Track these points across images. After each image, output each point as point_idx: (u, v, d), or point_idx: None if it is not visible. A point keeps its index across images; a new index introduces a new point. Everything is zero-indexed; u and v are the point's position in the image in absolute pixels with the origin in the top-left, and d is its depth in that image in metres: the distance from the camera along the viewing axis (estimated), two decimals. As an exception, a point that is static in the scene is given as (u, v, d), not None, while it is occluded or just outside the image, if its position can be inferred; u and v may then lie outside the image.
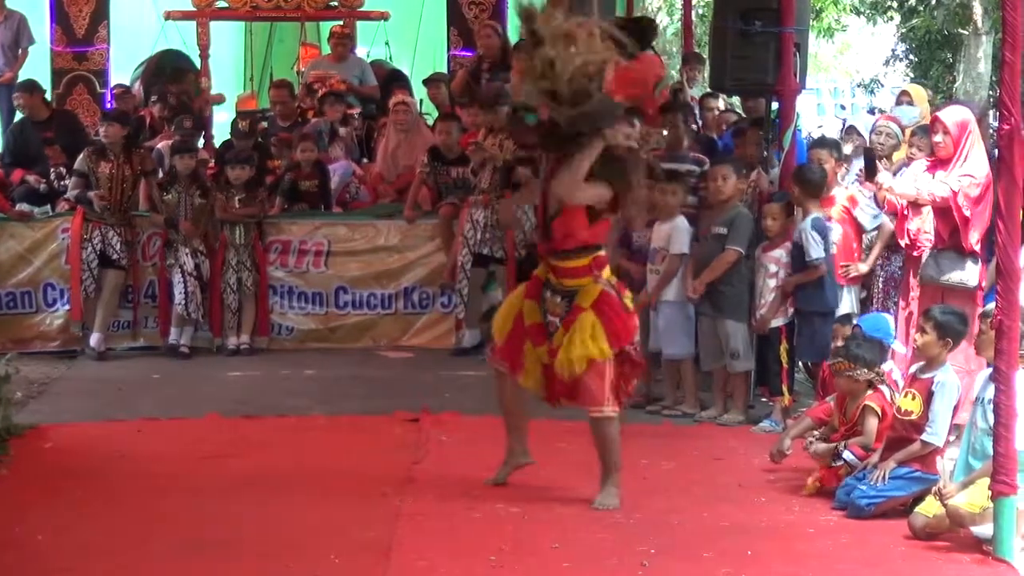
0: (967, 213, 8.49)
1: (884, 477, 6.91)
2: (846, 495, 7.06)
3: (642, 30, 12.02)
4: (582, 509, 7.00)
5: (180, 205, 11.31)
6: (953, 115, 8.82)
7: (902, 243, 9.13)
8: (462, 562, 6.16)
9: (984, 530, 6.36)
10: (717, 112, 12.74)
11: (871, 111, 26.23)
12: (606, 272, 7.13)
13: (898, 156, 10.29)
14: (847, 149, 9.88)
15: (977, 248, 8.54)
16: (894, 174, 9.52)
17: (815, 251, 8.88)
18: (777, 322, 8.97)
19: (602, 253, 7.14)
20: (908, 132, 10.21)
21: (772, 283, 8.98)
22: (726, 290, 9.10)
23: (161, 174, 11.80)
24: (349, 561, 6.18)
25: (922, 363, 7.15)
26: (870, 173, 9.57)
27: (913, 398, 7.02)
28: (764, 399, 9.29)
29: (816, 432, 7.58)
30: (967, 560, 6.30)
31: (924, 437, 6.91)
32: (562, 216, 7.02)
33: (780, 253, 8.98)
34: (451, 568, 6.09)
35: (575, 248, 7.05)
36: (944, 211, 8.61)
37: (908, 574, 6.23)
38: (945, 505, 6.46)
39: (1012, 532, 6.22)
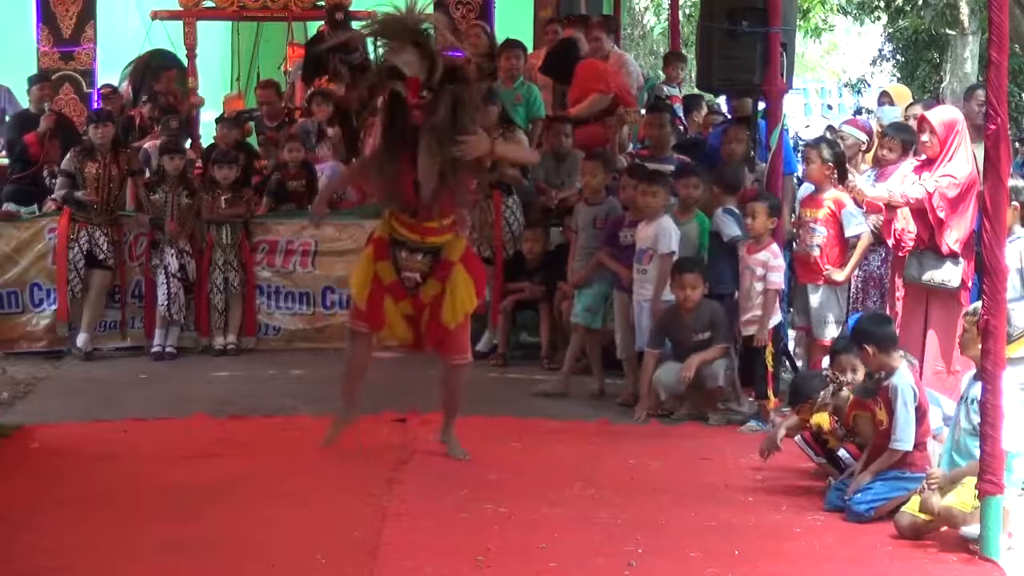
0: (942, 215, 8.48)
1: (857, 489, 6.91)
2: (838, 498, 7.06)
3: (563, 53, 12.35)
4: (569, 509, 7.00)
5: (167, 205, 11.30)
6: (940, 115, 8.82)
7: (889, 243, 9.15)
8: (449, 562, 6.15)
9: (971, 529, 6.37)
10: (703, 113, 12.80)
11: (858, 111, 26.28)
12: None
13: (871, 157, 10.33)
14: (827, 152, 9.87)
15: (957, 249, 8.53)
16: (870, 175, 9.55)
17: (729, 230, 9.27)
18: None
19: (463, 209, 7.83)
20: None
21: (759, 286, 8.98)
22: None
23: (148, 174, 11.79)
24: (335, 561, 6.17)
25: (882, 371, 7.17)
26: (841, 177, 9.58)
27: (881, 408, 7.00)
28: (751, 399, 9.29)
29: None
30: (954, 560, 6.31)
31: (892, 445, 6.90)
32: (447, 186, 7.52)
33: (767, 255, 8.98)
34: (438, 568, 6.08)
35: (448, 212, 7.62)
36: (921, 212, 8.62)
37: (895, 574, 6.24)
38: (932, 506, 6.47)
39: (998, 531, 6.23)
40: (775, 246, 9.03)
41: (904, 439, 6.86)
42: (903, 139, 9.60)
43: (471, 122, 7.51)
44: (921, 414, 6.93)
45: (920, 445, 6.97)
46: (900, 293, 8.96)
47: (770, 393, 8.88)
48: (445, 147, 7.40)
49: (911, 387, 6.90)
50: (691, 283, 9.06)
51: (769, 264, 8.95)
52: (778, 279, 8.98)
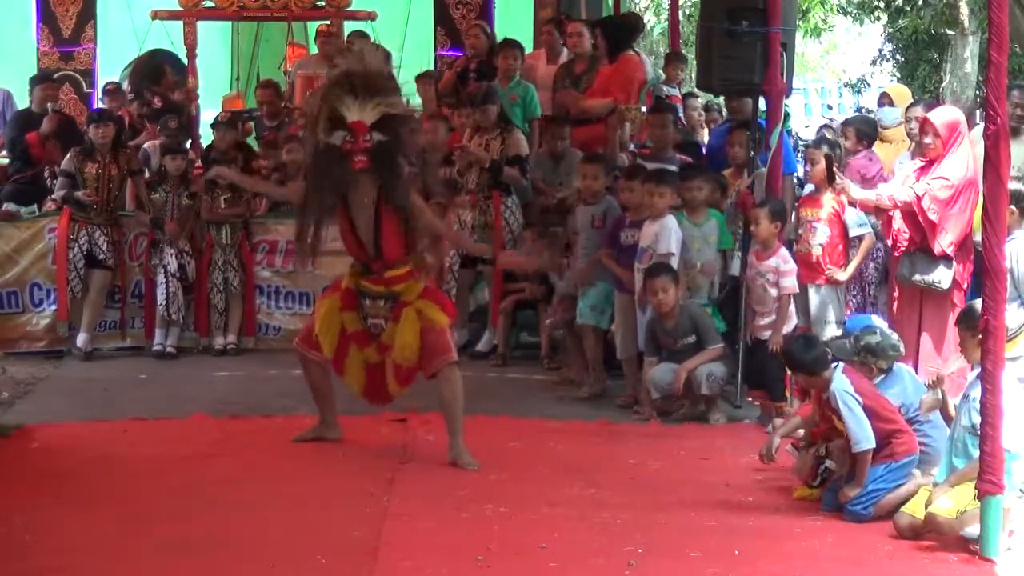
0: (933, 217, 8.47)
1: (847, 500, 6.93)
2: (835, 499, 7.05)
3: (628, 28, 12.08)
4: (569, 509, 7.00)
5: (168, 205, 11.31)
6: (942, 116, 8.82)
7: (888, 242, 9.14)
8: (449, 562, 6.16)
9: (971, 529, 6.37)
10: (701, 113, 12.78)
11: (858, 111, 26.28)
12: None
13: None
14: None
15: (951, 251, 8.52)
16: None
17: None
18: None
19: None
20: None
21: (773, 292, 8.95)
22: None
23: (148, 174, 11.79)
24: (335, 561, 6.18)
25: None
26: (830, 179, 9.58)
27: (838, 419, 7.02)
28: (750, 400, 9.29)
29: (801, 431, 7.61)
30: (953, 560, 6.31)
31: (854, 450, 6.92)
32: (392, 233, 7.75)
33: (777, 261, 8.95)
34: (438, 568, 6.08)
35: (401, 258, 7.83)
36: (911, 215, 8.61)
37: (894, 573, 6.24)
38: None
39: (998, 531, 6.23)
40: (784, 251, 8.99)
41: (862, 439, 6.87)
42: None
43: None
44: (871, 412, 6.93)
45: (898, 432, 6.97)
46: (896, 292, 8.96)
47: (788, 395, 8.88)
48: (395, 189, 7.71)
49: (846, 390, 6.94)
50: (661, 287, 9.03)
51: (780, 270, 8.92)
52: (791, 283, 8.94)
